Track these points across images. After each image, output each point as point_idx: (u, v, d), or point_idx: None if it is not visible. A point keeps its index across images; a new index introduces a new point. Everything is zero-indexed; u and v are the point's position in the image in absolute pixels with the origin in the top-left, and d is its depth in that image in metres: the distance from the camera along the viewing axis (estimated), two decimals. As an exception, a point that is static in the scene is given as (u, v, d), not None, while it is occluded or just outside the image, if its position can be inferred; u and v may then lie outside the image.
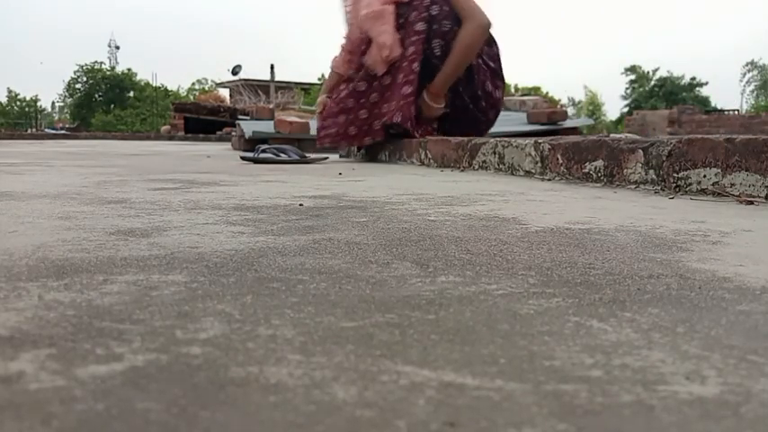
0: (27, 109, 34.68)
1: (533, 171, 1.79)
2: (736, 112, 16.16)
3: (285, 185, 1.51)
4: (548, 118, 4.78)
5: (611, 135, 2.26)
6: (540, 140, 1.80)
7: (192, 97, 25.91)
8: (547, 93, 24.89)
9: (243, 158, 2.80)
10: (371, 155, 2.93)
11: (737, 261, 0.64)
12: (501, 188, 1.46)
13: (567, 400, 0.31)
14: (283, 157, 2.71)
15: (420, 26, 2.65)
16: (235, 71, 21.17)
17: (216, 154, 3.86)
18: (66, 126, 25.25)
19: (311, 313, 0.45)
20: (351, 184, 1.58)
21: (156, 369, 0.34)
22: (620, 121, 24.60)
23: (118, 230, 0.80)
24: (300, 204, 1.10)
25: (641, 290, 0.53)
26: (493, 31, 2.82)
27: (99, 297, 0.49)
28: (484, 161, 2.05)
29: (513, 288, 0.53)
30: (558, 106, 9.35)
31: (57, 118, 39.26)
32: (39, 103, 35.54)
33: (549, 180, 1.68)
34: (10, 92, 35.57)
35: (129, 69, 33.67)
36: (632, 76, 31.95)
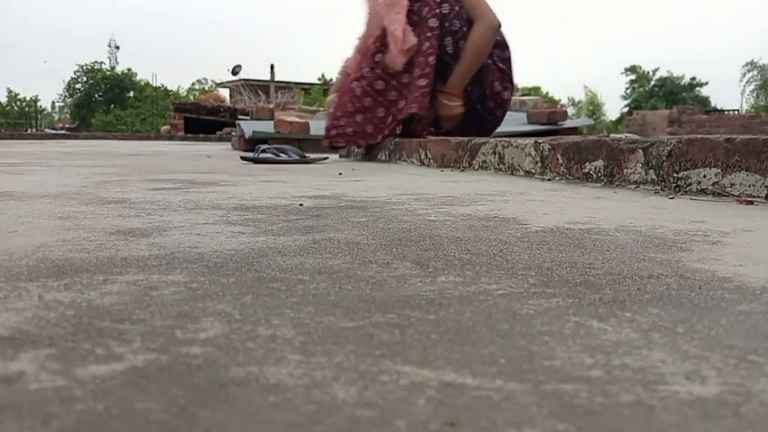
0: (27, 109, 34.69)
1: (533, 171, 1.79)
2: (736, 112, 16.16)
3: (285, 185, 1.51)
4: (548, 118, 4.78)
5: (611, 135, 2.26)
6: (540, 140, 1.80)
7: (192, 97, 25.90)
8: (547, 93, 24.89)
9: (243, 158, 2.80)
10: (371, 155, 2.93)
11: (737, 261, 0.64)
12: (501, 188, 1.46)
13: (567, 400, 0.31)
14: (283, 157, 2.71)
15: (433, 22, 2.72)
16: (235, 71, 21.16)
17: (216, 154, 3.86)
18: (66, 126, 25.27)
19: (311, 313, 0.45)
20: (351, 184, 1.58)
21: (156, 369, 0.34)
22: (620, 121, 24.59)
23: (118, 230, 0.80)
24: (300, 204, 1.10)
25: (641, 290, 0.53)
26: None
27: (99, 297, 0.49)
28: (484, 161, 2.05)
29: (513, 288, 0.53)
30: (558, 106, 9.35)
31: (57, 118, 39.26)
32: (39, 103, 35.60)
33: (549, 180, 1.68)
34: (10, 92, 35.62)
35: (129, 69, 33.67)
36: (632, 76, 31.95)
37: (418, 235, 0.79)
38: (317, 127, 4.59)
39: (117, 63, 35.49)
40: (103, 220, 0.89)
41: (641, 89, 31.33)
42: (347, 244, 0.72)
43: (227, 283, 0.54)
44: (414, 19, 2.75)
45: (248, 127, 4.90)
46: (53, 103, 42.88)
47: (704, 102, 28.16)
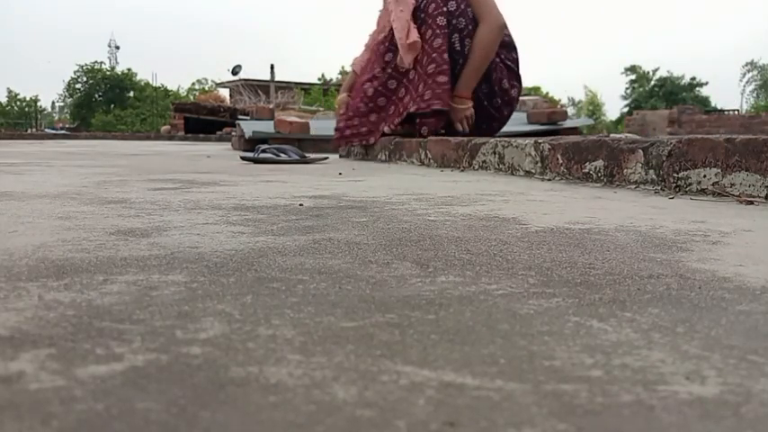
0: (27, 109, 34.69)
1: (533, 171, 1.79)
2: (736, 112, 16.15)
3: (285, 185, 1.51)
4: (548, 118, 4.78)
5: (611, 135, 2.26)
6: (540, 140, 1.80)
7: (192, 97, 25.89)
8: (547, 93, 24.88)
9: (243, 158, 2.80)
10: (371, 155, 2.93)
11: (737, 261, 0.64)
12: (501, 188, 1.46)
13: (567, 400, 0.31)
14: (283, 157, 2.72)
15: (441, 20, 2.74)
16: (235, 71, 21.16)
17: (216, 154, 3.86)
18: (66, 126, 25.28)
19: (311, 313, 0.45)
20: (351, 184, 1.58)
21: (156, 369, 0.34)
22: (620, 121, 24.59)
23: (118, 230, 0.80)
24: (300, 204, 1.10)
25: (641, 290, 0.53)
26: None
27: (99, 297, 0.49)
28: (484, 161, 2.05)
29: (513, 288, 0.53)
30: (558, 106, 9.35)
31: (57, 118, 39.26)
32: (39, 103, 35.60)
33: (549, 180, 1.68)
34: (10, 92, 35.60)
35: (129, 69, 33.65)
36: (632, 76, 31.95)
37: (418, 235, 0.79)
38: (317, 127, 4.60)
39: (117, 63, 35.52)
40: (103, 220, 0.89)
41: (641, 89, 31.33)
42: (347, 244, 0.72)
43: (227, 283, 0.54)
44: (420, 16, 2.77)
45: (248, 127, 4.90)
46: (53, 103, 42.93)
47: (704, 102, 28.16)
